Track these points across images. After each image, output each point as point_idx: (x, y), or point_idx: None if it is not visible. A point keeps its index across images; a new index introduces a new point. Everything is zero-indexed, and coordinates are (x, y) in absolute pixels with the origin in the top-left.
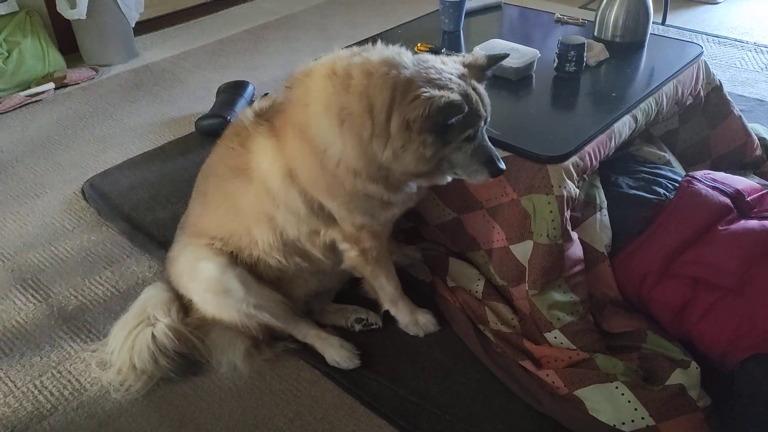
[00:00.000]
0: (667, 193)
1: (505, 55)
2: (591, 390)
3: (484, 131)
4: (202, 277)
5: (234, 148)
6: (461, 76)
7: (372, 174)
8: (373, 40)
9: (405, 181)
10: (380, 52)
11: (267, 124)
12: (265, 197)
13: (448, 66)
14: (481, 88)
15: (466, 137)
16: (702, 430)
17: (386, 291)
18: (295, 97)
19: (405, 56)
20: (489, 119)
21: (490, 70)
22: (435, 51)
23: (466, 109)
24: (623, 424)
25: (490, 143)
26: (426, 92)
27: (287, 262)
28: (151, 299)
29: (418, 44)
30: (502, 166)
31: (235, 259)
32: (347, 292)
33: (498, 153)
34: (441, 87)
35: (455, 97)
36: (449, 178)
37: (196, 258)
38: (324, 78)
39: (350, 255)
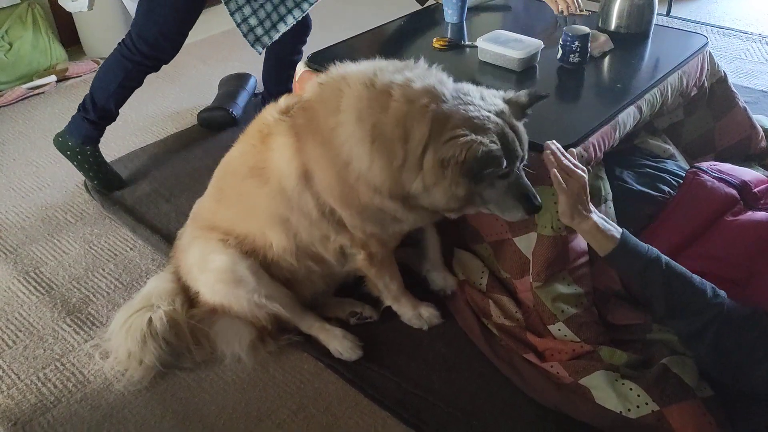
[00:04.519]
0: (671, 191)
1: (546, 96)
2: (596, 377)
3: (520, 169)
4: (213, 267)
5: (254, 145)
6: (500, 114)
7: (394, 194)
8: (416, 57)
9: (431, 210)
10: (423, 77)
11: (289, 121)
12: (280, 198)
13: (487, 101)
14: (519, 126)
15: (500, 175)
16: (705, 417)
17: (390, 289)
18: (325, 97)
19: (446, 86)
20: (526, 157)
21: (531, 108)
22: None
23: (504, 162)
24: (629, 410)
25: (526, 179)
26: (463, 134)
27: (299, 265)
28: (156, 289)
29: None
30: (539, 202)
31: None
32: (349, 284)
33: None
34: (478, 128)
35: (494, 147)
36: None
37: (208, 250)
38: (361, 86)
39: (358, 258)
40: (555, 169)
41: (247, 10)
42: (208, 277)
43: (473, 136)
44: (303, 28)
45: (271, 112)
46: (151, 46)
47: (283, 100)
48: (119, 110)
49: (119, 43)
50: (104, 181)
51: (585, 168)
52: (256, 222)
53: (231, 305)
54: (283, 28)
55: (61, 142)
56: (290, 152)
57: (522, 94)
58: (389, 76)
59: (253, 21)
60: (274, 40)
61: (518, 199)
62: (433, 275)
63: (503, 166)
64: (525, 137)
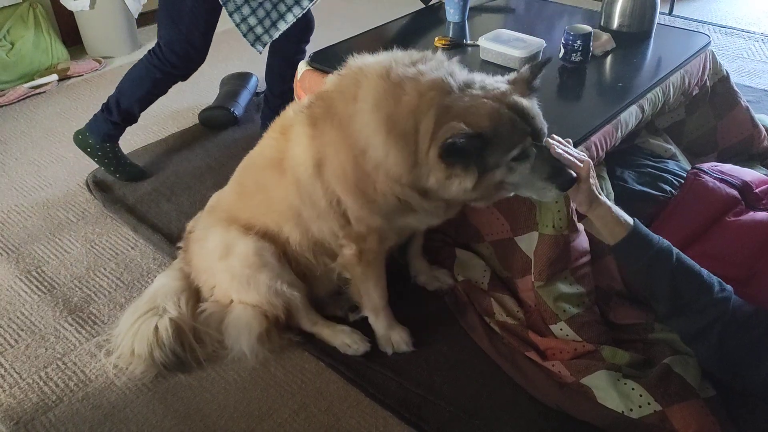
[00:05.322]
0: (673, 190)
1: (548, 61)
2: (598, 376)
3: (540, 145)
4: (237, 251)
5: (275, 137)
6: (497, 97)
7: (413, 186)
8: (434, 48)
9: (457, 203)
10: (434, 70)
11: (307, 111)
12: (294, 190)
13: (488, 88)
14: (524, 102)
15: (513, 158)
16: (707, 418)
17: (371, 297)
18: (343, 87)
19: (455, 78)
20: (543, 133)
21: (537, 80)
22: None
23: (460, 142)
24: (631, 410)
25: (551, 154)
26: (451, 124)
27: (317, 261)
28: (163, 288)
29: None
30: (571, 175)
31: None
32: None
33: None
34: (470, 115)
35: (464, 132)
36: (512, 194)
37: (230, 236)
38: (377, 77)
39: (345, 253)
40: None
41: (246, 10)
42: (231, 262)
43: (453, 123)
44: (306, 27)
45: (293, 107)
46: (181, 56)
47: (306, 98)
48: (141, 113)
49: (149, 53)
50: (126, 174)
51: (584, 154)
52: (274, 216)
53: (249, 292)
54: (283, 27)
55: (81, 139)
56: (307, 141)
57: (525, 69)
58: (402, 69)
59: (252, 20)
60: (274, 38)
61: (547, 177)
62: (423, 278)
63: (462, 148)
64: (534, 111)
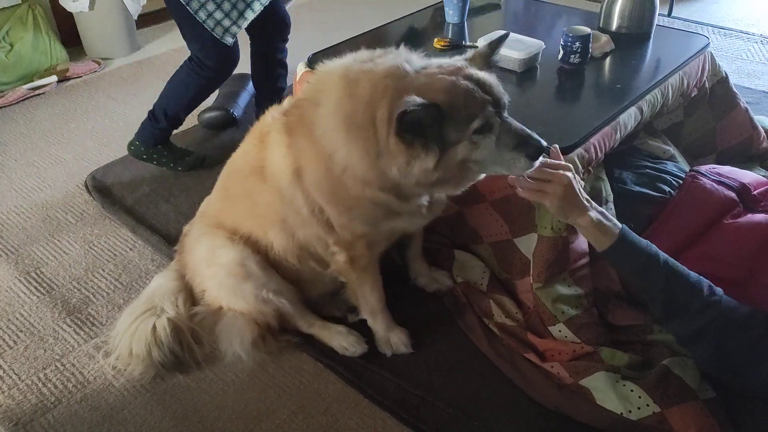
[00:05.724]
0: (672, 191)
1: (506, 35)
2: (597, 378)
3: (503, 116)
4: (222, 262)
5: (254, 144)
6: (453, 72)
7: (383, 185)
8: (397, 43)
9: (424, 192)
10: (390, 60)
11: (284, 119)
12: (277, 197)
13: (444, 67)
14: (480, 73)
15: (475, 130)
16: (707, 419)
17: (368, 301)
18: (310, 92)
19: (411, 64)
20: (504, 103)
21: (495, 55)
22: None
23: (417, 109)
24: (630, 412)
25: (516, 124)
26: (403, 99)
27: (302, 266)
28: (160, 288)
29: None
30: (540, 144)
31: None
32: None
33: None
34: (424, 91)
35: (416, 103)
36: (482, 176)
37: (216, 244)
38: (338, 78)
39: (338, 259)
40: (521, 187)
41: (210, 6)
42: (217, 271)
43: (405, 98)
44: (282, 24)
45: (272, 112)
46: (217, 59)
47: (287, 101)
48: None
49: (189, 62)
50: (186, 164)
51: (568, 165)
52: (258, 222)
53: (237, 301)
54: (250, 16)
55: (134, 149)
56: (283, 149)
57: (483, 46)
58: (359, 66)
59: (218, 15)
60: (243, 28)
61: (515, 147)
62: (422, 280)
63: (417, 114)
64: (492, 82)
